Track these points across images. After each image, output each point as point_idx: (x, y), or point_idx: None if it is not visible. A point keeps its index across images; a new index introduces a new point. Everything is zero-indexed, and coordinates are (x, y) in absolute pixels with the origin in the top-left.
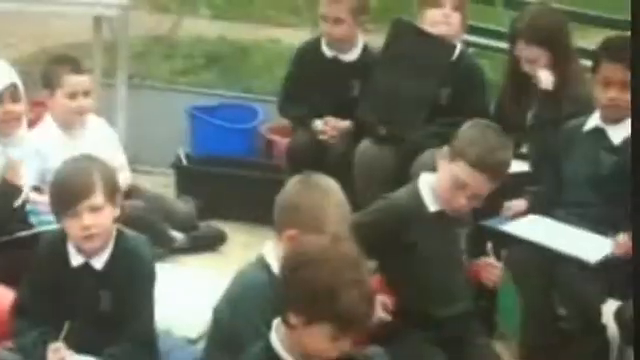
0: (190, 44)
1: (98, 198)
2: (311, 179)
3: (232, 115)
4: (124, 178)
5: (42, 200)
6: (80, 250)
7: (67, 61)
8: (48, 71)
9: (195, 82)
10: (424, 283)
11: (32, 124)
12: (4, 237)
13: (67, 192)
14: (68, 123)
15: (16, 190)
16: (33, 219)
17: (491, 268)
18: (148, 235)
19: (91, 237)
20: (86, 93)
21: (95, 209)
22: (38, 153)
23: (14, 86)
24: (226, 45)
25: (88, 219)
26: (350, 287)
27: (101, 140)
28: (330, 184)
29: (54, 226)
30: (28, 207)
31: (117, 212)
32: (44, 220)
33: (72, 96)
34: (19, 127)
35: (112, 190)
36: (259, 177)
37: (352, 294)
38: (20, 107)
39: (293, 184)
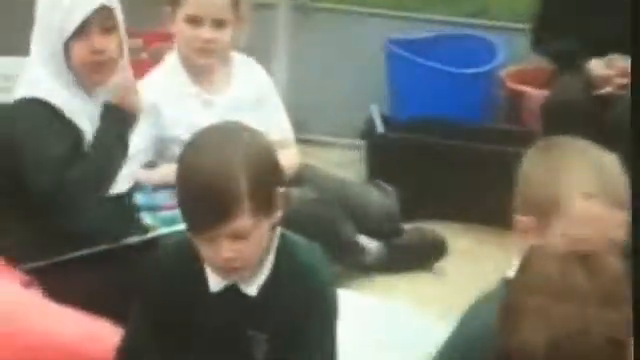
0: None
1: (245, 220)
2: (558, 143)
3: (454, 53)
4: (288, 157)
5: (157, 181)
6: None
7: None
8: None
9: (397, 1)
10: None
11: (147, 68)
12: (105, 245)
13: (197, 208)
14: (194, 65)
15: (131, 118)
16: (147, 218)
17: None
18: (325, 243)
19: (235, 269)
20: (219, 22)
21: (240, 236)
22: (153, 111)
23: (107, 10)
24: None
25: (228, 250)
26: None
27: (250, 96)
28: (586, 150)
29: (180, 226)
30: (139, 197)
31: (278, 216)
32: (165, 218)
33: (196, 21)
34: (107, 75)
35: (268, 195)
36: (497, 152)
37: None
38: (112, 42)
39: (532, 152)
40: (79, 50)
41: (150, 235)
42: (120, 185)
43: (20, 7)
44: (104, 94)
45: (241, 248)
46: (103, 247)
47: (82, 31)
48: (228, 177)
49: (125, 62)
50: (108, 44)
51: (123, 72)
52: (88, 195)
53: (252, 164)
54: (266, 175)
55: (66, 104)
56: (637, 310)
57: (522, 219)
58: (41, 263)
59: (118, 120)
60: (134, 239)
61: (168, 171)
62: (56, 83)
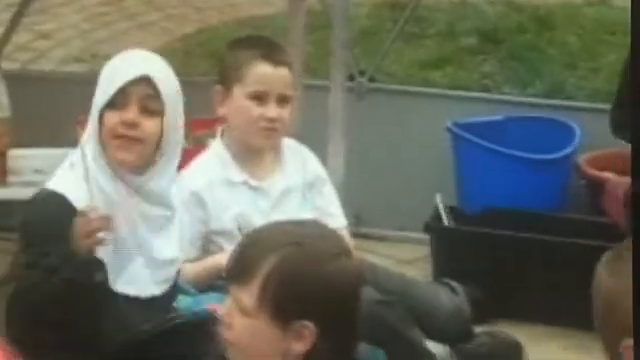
0: (448, 15)
1: (245, 294)
2: None
3: (526, 137)
4: None
5: (200, 274)
6: None
7: (254, 44)
8: (229, 57)
9: (458, 80)
10: None
11: (190, 156)
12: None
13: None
14: (248, 148)
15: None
16: (182, 302)
17: None
18: (390, 349)
19: None
20: (283, 98)
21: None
22: (198, 204)
23: (149, 84)
24: (512, 13)
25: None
26: None
27: (300, 184)
28: None
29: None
30: (182, 300)
31: (295, 349)
32: (199, 301)
33: (260, 98)
34: (142, 155)
35: (284, 305)
36: (579, 246)
37: None
38: (152, 124)
39: (609, 260)
40: (111, 119)
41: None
42: (151, 288)
43: (47, 97)
44: (142, 186)
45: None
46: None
47: (119, 102)
48: (257, 250)
49: (169, 165)
50: (146, 122)
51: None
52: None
53: (285, 262)
54: (289, 284)
55: (76, 192)
56: (637, 311)
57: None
58: None
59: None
60: (146, 328)
61: (211, 262)
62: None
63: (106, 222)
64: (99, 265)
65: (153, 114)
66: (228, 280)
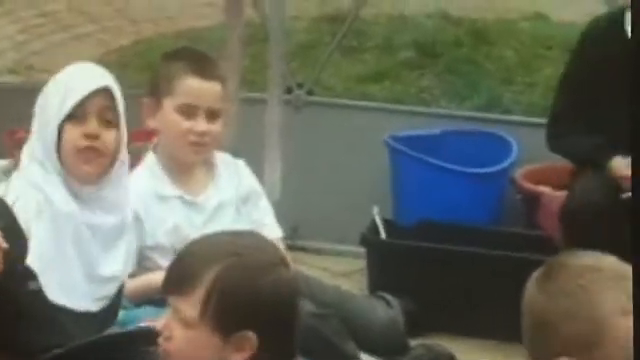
0: (386, 28)
1: (188, 306)
2: (588, 260)
3: (462, 151)
4: None
5: (134, 291)
6: None
7: (185, 56)
8: (161, 70)
9: (396, 93)
10: None
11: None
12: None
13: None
14: (179, 162)
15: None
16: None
17: None
18: None
19: None
20: (213, 113)
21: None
22: (134, 217)
23: (107, 97)
24: (449, 27)
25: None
26: None
27: (234, 197)
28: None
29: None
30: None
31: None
32: (135, 315)
33: (188, 112)
34: (103, 167)
35: (226, 315)
36: (514, 259)
37: None
38: (110, 135)
39: (542, 283)
40: (72, 132)
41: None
42: (88, 304)
43: None
44: (95, 197)
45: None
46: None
47: (79, 114)
48: (200, 260)
49: (122, 174)
50: (105, 134)
51: None
52: None
53: (227, 273)
54: (231, 295)
55: (21, 203)
56: (637, 312)
57: None
58: None
59: None
60: (111, 331)
61: (145, 281)
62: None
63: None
64: (31, 275)
65: (110, 126)
66: (167, 291)
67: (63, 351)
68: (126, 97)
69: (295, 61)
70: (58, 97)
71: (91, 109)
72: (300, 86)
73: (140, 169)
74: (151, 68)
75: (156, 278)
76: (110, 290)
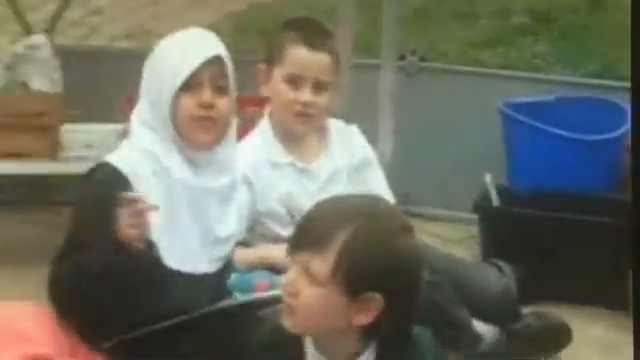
0: None
1: (319, 262)
2: None
3: (577, 118)
4: None
5: (252, 262)
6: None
7: (298, 26)
8: (275, 38)
9: (510, 59)
10: None
11: (240, 134)
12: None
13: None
14: (289, 131)
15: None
16: (237, 289)
17: None
18: (436, 329)
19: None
20: (320, 84)
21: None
22: (245, 185)
23: (220, 65)
24: None
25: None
26: None
27: (347, 164)
28: None
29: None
30: (232, 278)
31: (359, 319)
32: (249, 279)
33: (295, 82)
34: (218, 134)
35: (354, 276)
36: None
37: None
38: (224, 102)
39: None
40: (187, 102)
41: (240, 300)
42: (205, 266)
43: (99, 73)
44: (209, 161)
45: (293, 294)
46: (186, 317)
47: (193, 84)
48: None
49: (233, 134)
50: (219, 102)
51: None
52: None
53: (361, 235)
54: (365, 257)
55: (141, 175)
56: (637, 309)
57: None
58: (124, 337)
59: (113, 251)
60: (224, 303)
61: (264, 254)
62: (156, 145)
63: (152, 211)
64: (150, 243)
65: (222, 92)
66: (296, 247)
67: (187, 317)
68: (241, 63)
69: (409, 27)
70: (171, 66)
71: (204, 78)
72: (413, 52)
73: (253, 135)
74: (265, 33)
75: (270, 254)
76: (225, 250)
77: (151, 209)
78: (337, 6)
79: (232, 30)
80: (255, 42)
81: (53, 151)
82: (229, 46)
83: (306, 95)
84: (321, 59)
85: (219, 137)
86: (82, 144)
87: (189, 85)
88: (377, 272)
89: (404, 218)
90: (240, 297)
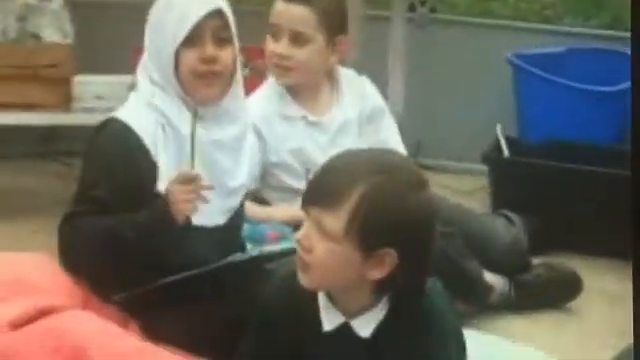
0: None
1: (336, 221)
2: None
3: (588, 69)
4: None
5: (263, 219)
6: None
7: None
8: None
9: (520, 10)
10: None
11: (250, 85)
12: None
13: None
14: (285, 84)
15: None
16: (253, 250)
17: None
18: (447, 280)
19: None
20: (297, 36)
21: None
22: (255, 137)
23: (221, 17)
24: None
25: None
26: None
27: (359, 116)
28: None
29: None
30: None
31: (374, 274)
32: (261, 230)
33: (274, 33)
34: (223, 87)
35: (372, 230)
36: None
37: None
38: (226, 54)
39: None
40: (189, 57)
41: (252, 254)
42: (216, 218)
43: (110, 25)
44: (217, 114)
45: (308, 249)
46: (197, 271)
47: (194, 38)
48: (347, 176)
49: (239, 84)
50: (222, 54)
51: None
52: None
53: (375, 190)
54: (379, 213)
55: (150, 131)
56: (637, 306)
57: None
58: (136, 291)
59: (158, 221)
60: (234, 258)
61: (277, 214)
62: (161, 100)
63: (203, 188)
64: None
65: (224, 44)
66: (310, 202)
67: (197, 271)
68: (250, 14)
69: None
70: (172, 22)
71: (206, 31)
72: (423, 3)
73: (264, 88)
74: None
75: (277, 215)
76: (236, 201)
77: (207, 187)
78: None
79: None
80: None
81: (65, 103)
82: None
83: (281, 47)
84: (296, 10)
85: (224, 90)
86: (93, 95)
87: (191, 39)
88: (392, 228)
89: (419, 172)
90: (249, 250)
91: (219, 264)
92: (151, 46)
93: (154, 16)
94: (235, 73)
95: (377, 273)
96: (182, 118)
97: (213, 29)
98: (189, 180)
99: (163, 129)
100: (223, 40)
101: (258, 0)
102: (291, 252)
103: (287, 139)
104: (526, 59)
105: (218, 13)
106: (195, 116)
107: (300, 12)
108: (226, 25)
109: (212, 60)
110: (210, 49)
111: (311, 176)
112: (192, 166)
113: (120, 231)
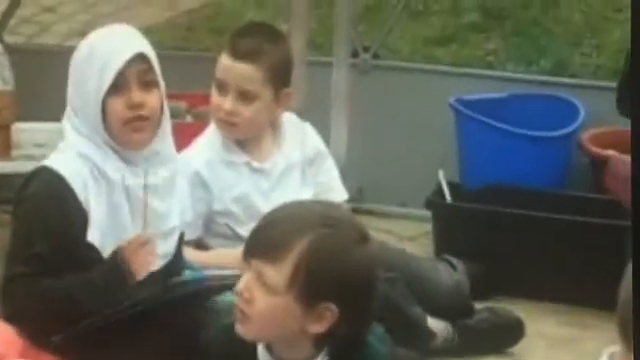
0: None
1: (274, 273)
2: None
3: (529, 115)
4: None
5: (207, 264)
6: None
7: (238, 33)
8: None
9: (462, 57)
10: None
11: (192, 132)
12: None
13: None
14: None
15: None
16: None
17: None
18: (389, 325)
19: None
20: (243, 94)
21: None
22: (199, 184)
23: (144, 61)
24: None
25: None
26: None
27: (300, 160)
28: None
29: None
30: (187, 274)
31: (313, 328)
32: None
33: (220, 88)
34: (152, 131)
35: (313, 287)
36: (581, 224)
37: None
38: (153, 98)
39: None
40: (116, 105)
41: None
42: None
43: (51, 72)
44: (147, 157)
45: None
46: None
47: (119, 85)
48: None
49: (167, 126)
50: (148, 99)
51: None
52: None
53: (319, 245)
54: (322, 268)
55: (80, 179)
56: (637, 305)
57: None
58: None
59: (116, 282)
60: (173, 293)
61: (226, 258)
62: (88, 149)
63: (154, 246)
64: (92, 247)
65: (150, 87)
66: (251, 255)
67: (130, 310)
68: (194, 60)
69: (361, 24)
70: (95, 71)
71: (130, 77)
72: (366, 49)
73: (207, 134)
74: (218, 31)
75: (224, 259)
76: (169, 246)
77: (152, 243)
78: (289, 3)
79: (185, 28)
80: (207, 39)
81: (5, 150)
82: (181, 43)
83: (227, 103)
84: (243, 68)
85: (153, 134)
86: (32, 143)
87: (116, 86)
88: (334, 284)
89: (361, 227)
90: (190, 273)
91: (153, 300)
92: (75, 97)
93: (76, 68)
94: (163, 115)
95: (318, 327)
96: (110, 165)
97: (138, 74)
98: (145, 242)
99: (94, 177)
100: (149, 83)
101: (201, 46)
102: (234, 279)
103: (231, 186)
104: (468, 104)
105: (141, 57)
106: (145, 186)
107: (247, 70)
108: (150, 68)
109: (139, 105)
110: (136, 94)
111: (253, 224)
112: (144, 228)
113: (76, 294)
